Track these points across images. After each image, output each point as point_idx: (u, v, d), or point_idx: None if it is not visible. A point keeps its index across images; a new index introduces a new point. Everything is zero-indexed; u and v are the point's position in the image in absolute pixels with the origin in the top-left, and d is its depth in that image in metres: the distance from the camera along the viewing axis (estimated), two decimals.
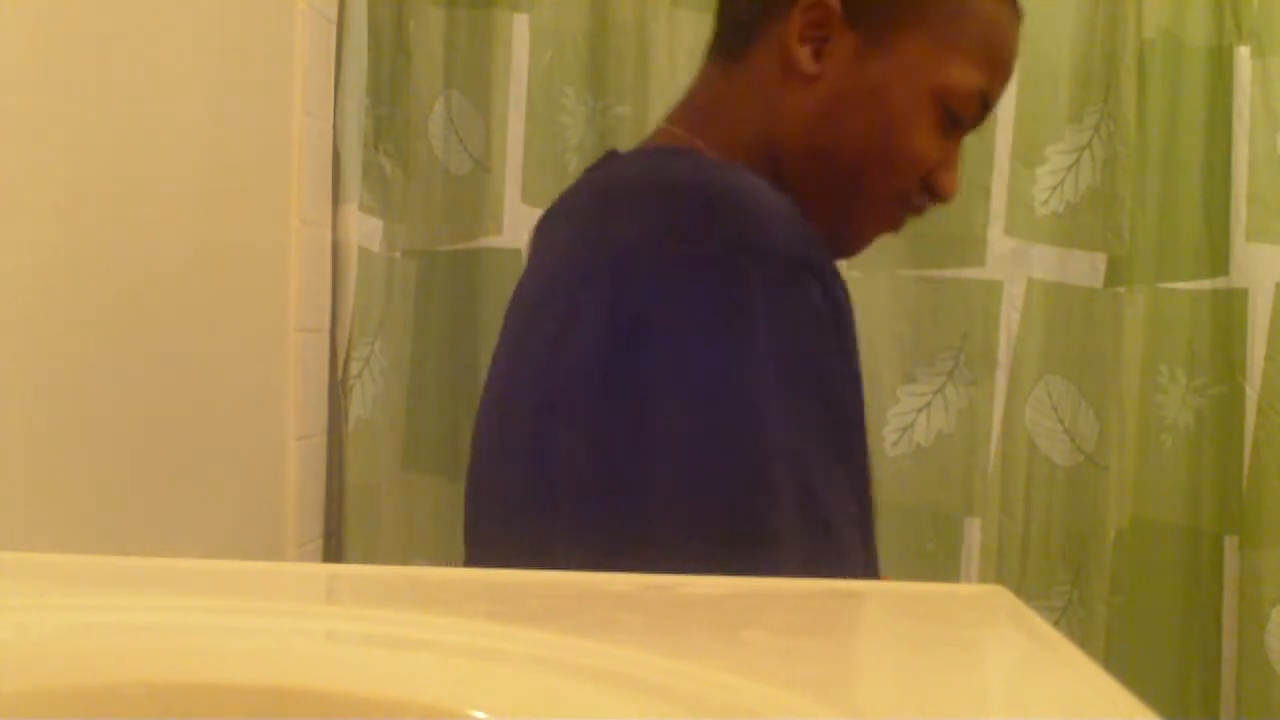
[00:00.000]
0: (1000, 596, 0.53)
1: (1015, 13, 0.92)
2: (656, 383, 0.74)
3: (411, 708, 0.37)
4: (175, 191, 1.26)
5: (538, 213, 1.67)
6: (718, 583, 0.55)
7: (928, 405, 1.68)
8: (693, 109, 0.94)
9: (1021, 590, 1.65)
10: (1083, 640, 1.63)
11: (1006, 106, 1.64)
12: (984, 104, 0.90)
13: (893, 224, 0.94)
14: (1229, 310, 1.65)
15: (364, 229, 1.70)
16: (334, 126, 1.69)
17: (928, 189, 0.92)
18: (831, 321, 0.77)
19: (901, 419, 1.68)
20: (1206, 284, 1.66)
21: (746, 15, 0.91)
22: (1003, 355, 1.67)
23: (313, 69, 1.61)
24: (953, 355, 1.67)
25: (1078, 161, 1.67)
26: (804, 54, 0.87)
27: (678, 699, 0.37)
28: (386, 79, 1.71)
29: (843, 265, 0.88)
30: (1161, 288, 1.67)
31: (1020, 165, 1.66)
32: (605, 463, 0.75)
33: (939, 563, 1.67)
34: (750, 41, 0.90)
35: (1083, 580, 1.67)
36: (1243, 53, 1.62)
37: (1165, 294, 1.67)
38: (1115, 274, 1.66)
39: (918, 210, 0.95)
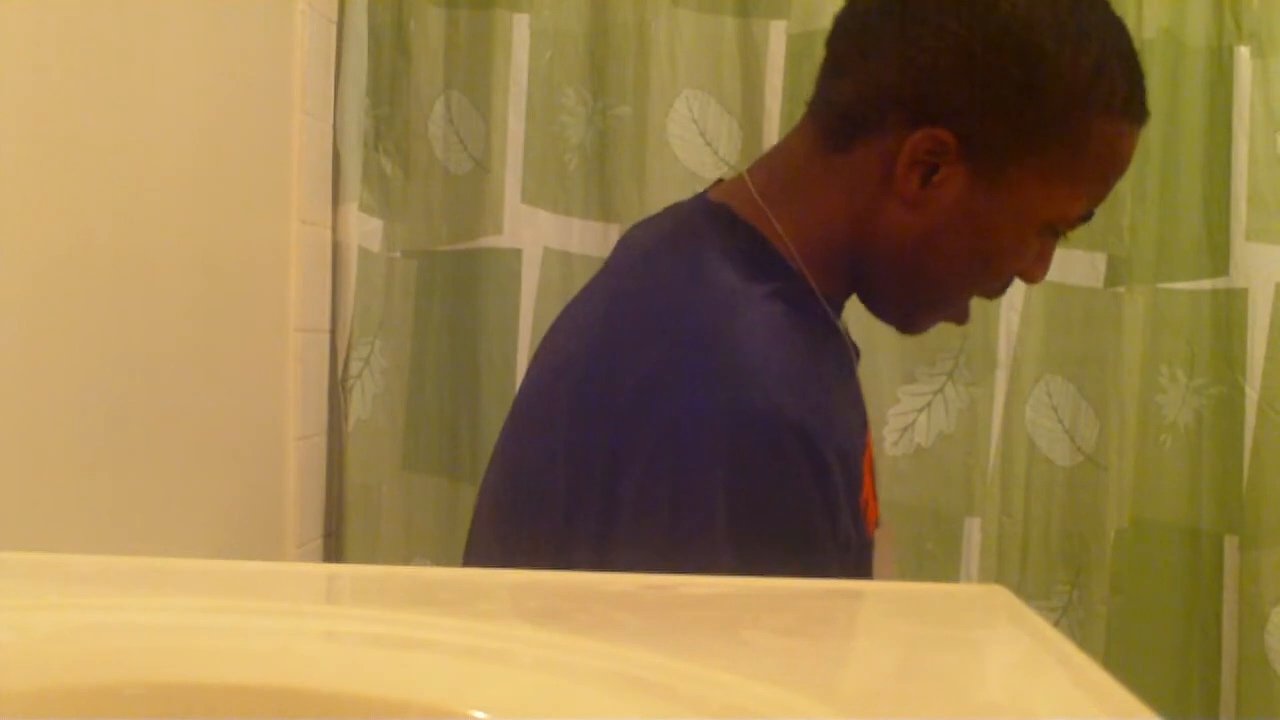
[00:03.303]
0: (1000, 596, 0.53)
1: (1142, 119, 0.87)
2: (621, 521, 0.77)
3: (412, 708, 0.37)
4: (175, 192, 1.26)
5: (538, 212, 1.70)
6: (718, 583, 0.55)
7: (928, 405, 1.68)
8: (777, 176, 0.90)
9: (1021, 590, 1.65)
10: (1083, 640, 1.63)
11: None
12: (1090, 214, 0.88)
13: (960, 317, 0.93)
14: (1229, 310, 1.65)
15: (364, 229, 1.70)
16: (334, 126, 1.69)
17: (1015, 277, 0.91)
18: (812, 476, 0.77)
19: (901, 419, 1.68)
20: (1206, 284, 1.66)
21: (855, 111, 0.86)
22: (1003, 355, 1.67)
23: (313, 69, 1.61)
24: (953, 355, 1.67)
25: None
26: (911, 180, 0.84)
27: (678, 699, 0.37)
28: (386, 79, 1.71)
29: None
30: (1161, 288, 1.67)
31: None
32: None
33: (939, 563, 1.67)
34: (854, 139, 0.86)
35: (1083, 580, 1.67)
36: (1243, 53, 1.62)
37: (1165, 294, 1.67)
38: (1115, 274, 1.66)
39: (995, 296, 0.94)
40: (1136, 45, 0.88)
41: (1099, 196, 0.87)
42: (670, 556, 0.75)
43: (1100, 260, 1.66)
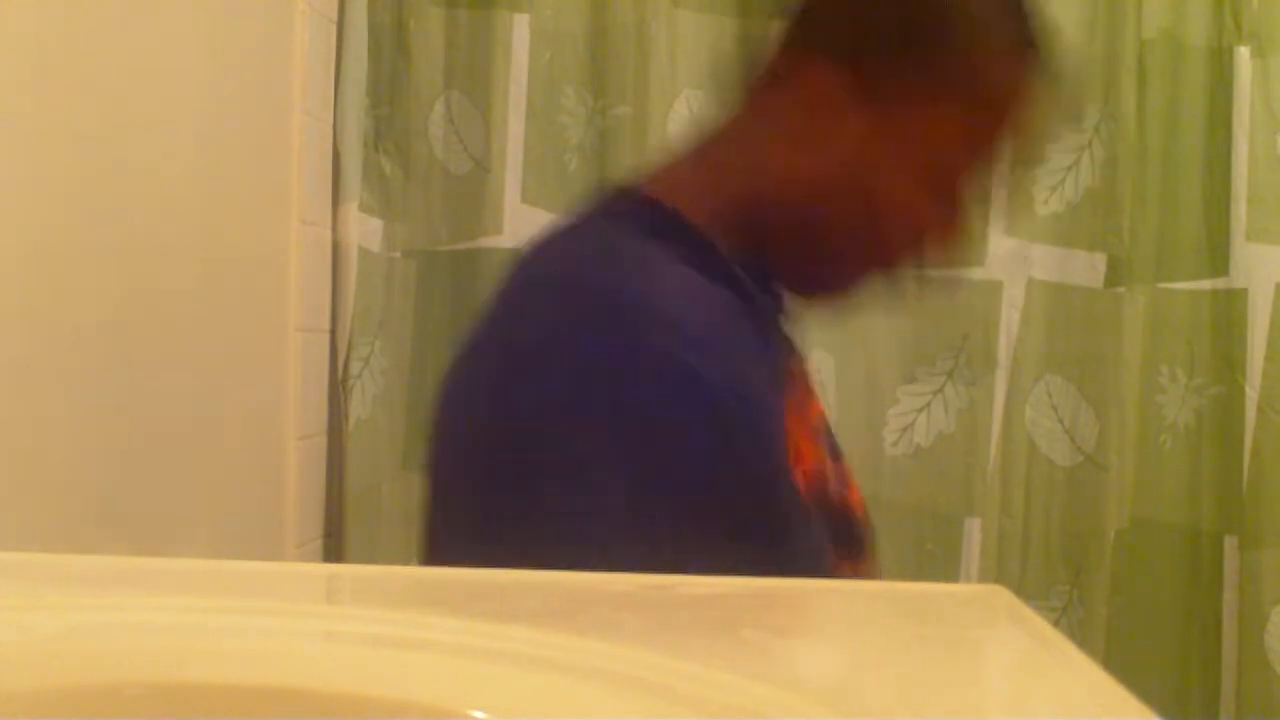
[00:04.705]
0: (1000, 596, 0.53)
1: (1031, 45, 0.83)
2: (534, 485, 0.75)
3: (411, 708, 0.37)
4: (175, 192, 1.26)
5: (538, 213, 1.70)
6: (717, 583, 0.55)
7: (928, 405, 1.68)
8: (697, 149, 0.88)
9: (1021, 590, 1.65)
10: (1083, 640, 1.63)
11: None
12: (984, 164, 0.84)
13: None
14: (1229, 310, 1.65)
15: (364, 229, 1.70)
16: (334, 126, 1.69)
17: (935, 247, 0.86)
18: (727, 424, 0.74)
19: (901, 419, 1.67)
20: (1206, 284, 1.66)
21: (756, 60, 0.86)
22: (1003, 355, 1.67)
23: (313, 69, 1.61)
24: (953, 355, 1.67)
25: (1078, 162, 1.67)
26: (796, 120, 0.82)
27: (678, 699, 0.37)
28: (386, 79, 1.71)
29: None
30: (1161, 288, 1.67)
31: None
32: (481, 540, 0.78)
33: (939, 563, 1.67)
34: (751, 89, 0.85)
35: (1083, 580, 1.67)
36: (1243, 53, 1.62)
37: (1165, 294, 1.67)
38: (1115, 274, 1.66)
39: (932, 274, 0.89)
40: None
41: (985, 131, 0.83)
42: (584, 516, 0.73)
43: (1100, 260, 1.66)
